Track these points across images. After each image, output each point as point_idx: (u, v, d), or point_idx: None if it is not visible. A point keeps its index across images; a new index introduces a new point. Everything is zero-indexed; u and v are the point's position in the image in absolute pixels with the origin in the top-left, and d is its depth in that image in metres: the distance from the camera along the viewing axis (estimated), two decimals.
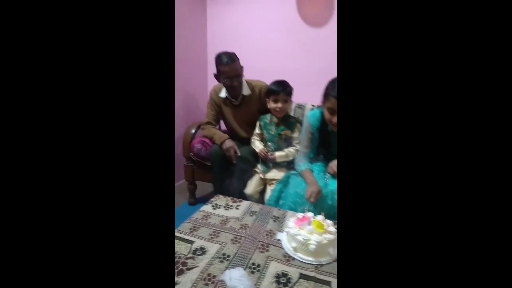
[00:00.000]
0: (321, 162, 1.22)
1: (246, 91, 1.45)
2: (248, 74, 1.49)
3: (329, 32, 1.73)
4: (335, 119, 1.01)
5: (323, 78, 1.09)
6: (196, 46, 2.01)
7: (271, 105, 1.34)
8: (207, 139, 1.55)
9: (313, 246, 0.71)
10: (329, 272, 0.68)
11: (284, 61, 1.89)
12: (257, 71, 1.61)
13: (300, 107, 1.73)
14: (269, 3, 1.85)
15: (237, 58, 1.38)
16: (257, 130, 1.45)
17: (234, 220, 0.92)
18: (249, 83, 1.48)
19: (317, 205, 1.02)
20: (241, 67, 1.40)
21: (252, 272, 0.66)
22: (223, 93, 1.47)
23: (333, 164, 1.12)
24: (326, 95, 1.02)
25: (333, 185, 1.07)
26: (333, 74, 1.07)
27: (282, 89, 1.30)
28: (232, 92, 1.43)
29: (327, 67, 1.62)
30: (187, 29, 1.86)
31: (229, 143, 1.39)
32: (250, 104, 1.47)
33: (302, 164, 1.17)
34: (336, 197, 1.03)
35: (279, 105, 1.31)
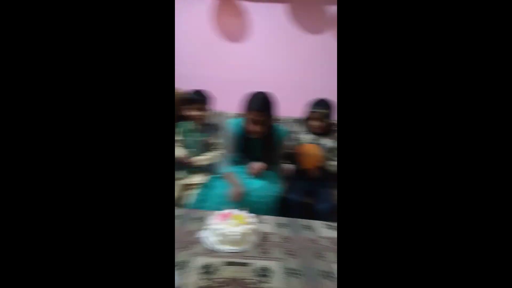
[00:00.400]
0: (242, 165, 1.32)
1: None
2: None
3: (247, 46, 1.91)
4: (257, 128, 1.15)
5: (238, 89, 1.21)
6: None
7: (194, 112, 1.35)
8: None
9: (238, 237, 0.76)
10: (251, 256, 0.75)
11: (203, 70, 1.94)
12: (178, 78, 1.60)
13: (221, 114, 1.81)
14: (187, 11, 1.88)
15: None
16: (178, 137, 1.42)
17: None
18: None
19: (242, 204, 1.10)
20: None
21: (178, 269, 0.66)
22: None
23: (254, 164, 1.23)
24: (248, 107, 1.14)
25: (253, 183, 1.18)
26: (247, 85, 1.22)
27: (201, 99, 1.36)
28: None
29: (243, 78, 1.78)
30: None
31: None
32: None
33: (225, 168, 1.24)
34: (258, 193, 1.15)
35: (199, 114, 1.35)
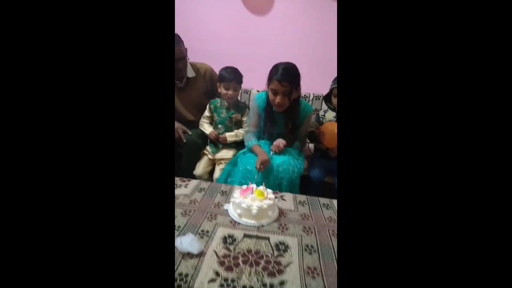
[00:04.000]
0: (266, 140, 1.34)
1: (190, 73, 1.45)
2: (194, 57, 1.49)
3: (270, 20, 1.82)
4: (278, 99, 1.14)
5: (266, 65, 1.18)
6: None
7: (222, 91, 1.38)
8: None
9: (255, 211, 0.81)
10: (268, 230, 0.80)
11: (230, 47, 1.92)
12: (204, 54, 1.62)
13: (246, 92, 1.81)
14: None
15: (181, 40, 1.36)
16: (206, 113, 1.48)
17: (183, 196, 0.96)
18: (194, 65, 1.48)
19: (264, 175, 1.15)
20: (185, 49, 1.39)
21: (201, 237, 0.73)
22: None
23: (276, 142, 1.25)
24: (270, 78, 1.14)
25: (276, 159, 1.21)
26: (275, 60, 1.18)
27: (233, 77, 1.36)
28: (176, 75, 1.41)
29: (269, 54, 1.72)
30: None
31: (176, 125, 1.39)
32: (195, 86, 1.48)
33: (251, 141, 1.29)
34: (280, 169, 1.18)
35: (230, 92, 1.37)
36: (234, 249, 0.70)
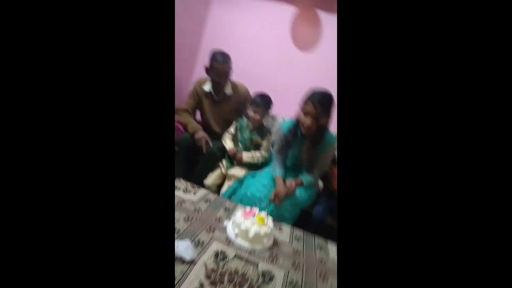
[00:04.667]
0: (291, 174, 1.35)
1: (228, 90, 1.57)
2: (235, 76, 1.61)
3: (315, 57, 1.93)
4: (308, 121, 1.16)
5: (298, 96, 1.24)
6: (191, 36, 2.06)
7: (250, 113, 1.47)
8: (180, 125, 1.63)
9: (252, 235, 0.86)
10: (259, 256, 0.83)
11: (269, 73, 2.04)
12: (242, 74, 1.74)
13: (273, 118, 1.89)
14: (269, 19, 1.98)
15: (230, 60, 1.50)
16: (231, 130, 1.57)
17: (189, 202, 1.03)
18: (233, 84, 1.60)
19: (278, 207, 1.19)
20: (230, 68, 1.51)
21: (196, 246, 0.79)
22: (207, 87, 1.56)
23: (290, 183, 1.24)
24: (306, 100, 1.19)
25: (298, 197, 1.24)
26: (306, 91, 1.24)
27: (264, 103, 1.46)
28: (216, 89, 1.53)
29: (303, 86, 1.81)
30: (186, 19, 1.91)
31: (201, 134, 1.49)
32: (230, 103, 1.60)
33: (277, 170, 1.30)
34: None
35: (258, 117, 1.46)
36: (223, 266, 0.74)
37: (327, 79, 1.89)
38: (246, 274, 0.74)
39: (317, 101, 1.14)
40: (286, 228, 1.06)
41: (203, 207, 1.03)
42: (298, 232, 1.05)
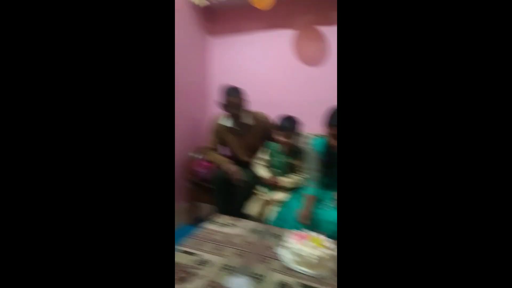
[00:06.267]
0: (331, 191, 1.28)
1: (249, 120, 1.59)
2: (251, 106, 1.64)
3: (323, 70, 1.93)
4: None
5: (316, 109, 1.22)
6: (199, 78, 2.19)
7: (281, 139, 1.44)
8: (209, 163, 1.64)
9: (315, 260, 0.75)
10: (329, 283, 0.71)
11: (281, 95, 2.06)
12: (259, 104, 1.77)
13: (306, 137, 1.84)
14: (268, 44, 2.08)
15: (242, 92, 1.55)
16: (264, 156, 1.54)
17: (237, 236, 0.95)
18: (253, 114, 1.62)
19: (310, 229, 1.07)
20: (243, 99, 1.56)
21: (254, 280, 0.69)
22: (228, 122, 1.60)
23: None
24: (330, 124, 1.14)
25: (331, 215, 1.13)
26: (326, 105, 1.21)
27: (293, 126, 1.44)
28: (237, 121, 1.55)
29: (320, 99, 1.78)
30: (192, 64, 2.06)
31: (234, 168, 1.47)
32: (254, 132, 1.60)
33: (309, 189, 1.24)
34: (330, 227, 1.09)
35: (289, 140, 1.43)
36: None
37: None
38: None
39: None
40: None
41: (252, 238, 0.94)
42: None
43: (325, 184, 1.31)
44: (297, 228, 1.08)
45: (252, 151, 1.60)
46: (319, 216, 1.13)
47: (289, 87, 2.05)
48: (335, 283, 0.71)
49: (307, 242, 0.80)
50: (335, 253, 0.80)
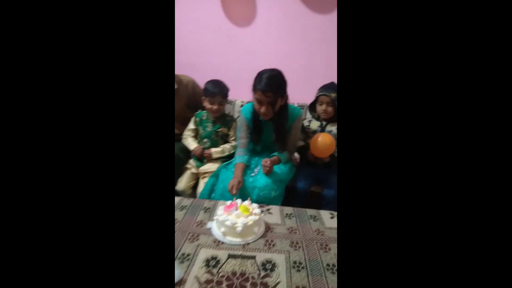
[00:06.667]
0: (259, 157, 1.30)
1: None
2: (176, 69, 1.45)
3: (253, 31, 1.83)
4: (263, 109, 1.10)
5: (250, 75, 1.16)
6: None
7: (207, 105, 1.34)
8: None
9: (240, 228, 0.77)
10: (254, 248, 0.76)
11: (212, 58, 1.91)
12: (186, 67, 1.59)
13: (231, 103, 1.79)
14: (197, 4, 1.82)
15: None
16: (191, 126, 1.44)
17: None
18: (176, 77, 1.44)
19: (243, 198, 1.10)
20: None
21: (182, 262, 0.68)
22: None
23: (265, 161, 1.17)
24: (254, 88, 1.10)
25: (259, 182, 1.16)
26: (259, 69, 1.17)
27: (219, 91, 1.32)
28: None
29: (253, 63, 1.72)
30: None
31: None
32: (177, 98, 1.44)
33: (237, 157, 1.24)
34: (261, 193, 1.13)
35: (216, 106, 1.33)
36: (218, 272, 0.65)
37: (269, 51, 1.83)
38: (246, 271, 0.66)
39: (266, 87, 1.07)
40: (276, 210, 0.99)
41: (179, 216, 0.91)
42: (289, 210, 1.00)
43: (253, 151, 1.34)
44: (230, 199, 1.10)
45: (180, 121, 1.47)
46: (246, 183, 1.16)
47: (216, 49, 1.90)
48: (259, 246, 0.76)
49: (235, 212, 0.82)
50: (261, 218, 0.84)
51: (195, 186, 1.38)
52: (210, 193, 1.22)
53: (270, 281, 0.63)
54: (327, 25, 1.69)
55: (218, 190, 1.17)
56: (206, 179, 1.32)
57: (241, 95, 1.65)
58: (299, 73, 1.77)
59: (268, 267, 0.68)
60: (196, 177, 1.40)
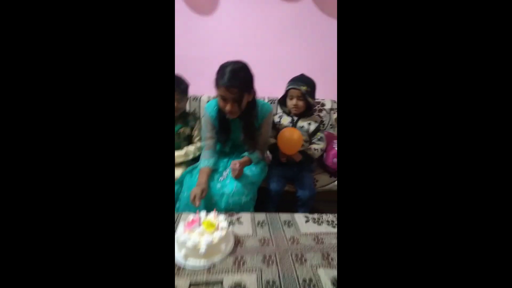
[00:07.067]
0: (229, 158, 1.19)
1: None
2: None
3: (216, 20, 1.69)
4: (228, 107, 0.98)
5: (215, 67, 1.03)
6: None
7: None
8: None
9: (203, 249, 0.67)
10: (222, 269, 0.66)
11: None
12: None
13: (196, 99, 1.64)
14: None
15: None
16: None
17: None
18: None
19: (210, 208, 0.99)
20: None
21: None
22: None
23: (232, 165, 1.06)
24: (217, 84, 0.98)
25: (228, 187, 1.04)
26: (223, 62, 1.04)
27: (177, 86, 1.17)
28: None
29: (217, 56, 1.58)
30: None
31: None
32: None
33: (202, 161, 1.11)
34: (231, 200, 1.02)
35: (175, 102, 1.18)
36: None
37: (235, 42, 1.71)
38: None
39: (230, 83, 0.93)
40: (246, 218, 0.90)
41: None
42: (261, 217, 0.91)
43: (221, 153, 1.23)
44: (193, 210, 0.98)
45: None
46: (213, 190, 1.05)
47: (176, 40, 1.73)
48: (228, 266, 0.67)
49: (197, 229, 0.72)
50: (227, 232, 0.74)
51: None
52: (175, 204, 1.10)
53: None
54: (297, 13, 1.61)
55: (183, 199, 1.05)
56: None
57: (208, 90, 1.52)
58: (268, 65, 1.67)
59: None
60: None
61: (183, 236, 0.70)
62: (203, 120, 1.19)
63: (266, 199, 1.17)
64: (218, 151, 1.20)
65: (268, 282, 0.62)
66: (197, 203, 0.92)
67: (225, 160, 1.20)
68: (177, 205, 1.07)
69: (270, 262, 0.69)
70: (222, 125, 1.12)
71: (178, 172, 1.23)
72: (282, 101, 1.27)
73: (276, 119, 1.29)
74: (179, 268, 0.67)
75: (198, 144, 1.29)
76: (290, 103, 1.20)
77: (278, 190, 1.18)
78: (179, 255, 0.70)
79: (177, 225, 0.83)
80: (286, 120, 1.27)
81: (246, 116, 1.07)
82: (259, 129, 1.14)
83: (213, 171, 1.11)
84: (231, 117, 1.06)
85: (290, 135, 1.14)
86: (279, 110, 1.33)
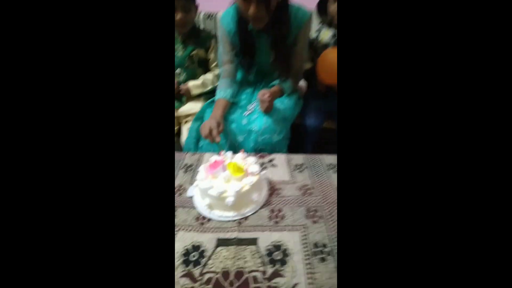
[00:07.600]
0: (253, 89, 0.96)
1: None
2: None
3: None
4: (251, 10, 0.71)
5: None
6: None
7: None
8: None
9: (231, 200, 0.52)
10: (255, 225, 0.52)
11: None
12: None
13: (210, 17, 1.32)
14: None
15: None
16: None
17: None
18: None
19: (234, 148, 0.82)
20: None
21: None
22: None
23: (260, 94, 0.83)
24: None
25: (257, 122, 0.84)
26: None
27: None
28: None
29: None
30: None
31: None
32: None
33: (218, 92, 0.90)
34: (260, 138, 0.83)
35: (178, 16, 0.91)
36: (201, 273, 0.43)
37: None
38: (244, 269, 0.44)
39: None
40: (281, 160, 0.73)
41: None
42: (298, 159, 0.73)
43: (244, 83, 0.99)
44: (216, 150, 0.82)
45: None
46: (240, 127, 0.86)
47: None
48: (262, 221, 0.53)
49: (221, 173, 0.56)
50: (259, 178, 0.58)
51: (177, 134, 1.10)
52: (197, 142, 0.95)
53: (281, 283, 0.42)
54: None
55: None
56: (189, 124, 1.02)
57: (224, 4, 1.18)
58: None
59: (277, 257, 0.46)
60: (178, 122, 1.10)
61: (204, 183, 0.55)
62: (219, 37, 0.92)
63: (302, 139, 0.98)
64: (240, 80, 0.97)
65: (316, 245, 0.48)
66: (216, 137, 0.74)
67: (249, 91, 0.97)
68: (200, 143, 0.92)
69: (317, 217, 0.54)
70: (244, 42, 0.85)
71: (197, 105, 1.04)
72: (322, 7, 0.92)
73: (314, 34, 0.97)
74: (203, 219, 0.54)
75: (217, 71, 1.06)
76: (334, 7, 0.85)
77: (316, 126, 0.97)
78: (202, 204, 0.57)
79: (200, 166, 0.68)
80: (326, 34, 0.94)
81: (276, 26, 0.79)
82: (294, 45, 0.85)
83: (232, 105, 0.90)
84: (257, 27, 0.78)
85: (334, 58, 0.84)
86: (316, 22, 0.99)
